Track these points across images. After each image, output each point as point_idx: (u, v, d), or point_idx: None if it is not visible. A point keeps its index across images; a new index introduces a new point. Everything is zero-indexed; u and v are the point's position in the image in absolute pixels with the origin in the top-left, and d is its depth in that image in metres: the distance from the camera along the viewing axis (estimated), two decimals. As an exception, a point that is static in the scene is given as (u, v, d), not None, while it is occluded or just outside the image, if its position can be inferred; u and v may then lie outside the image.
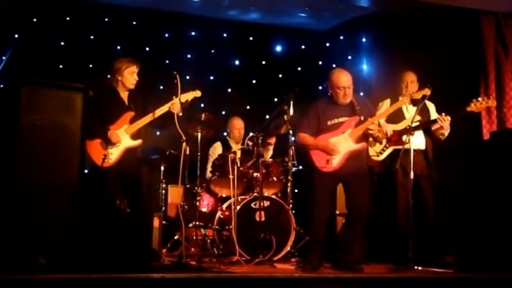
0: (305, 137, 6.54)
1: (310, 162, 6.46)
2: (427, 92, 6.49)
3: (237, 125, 8.37)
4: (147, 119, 6.37)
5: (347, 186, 6.50)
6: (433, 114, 6.92)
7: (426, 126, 6.77)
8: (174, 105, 6.36)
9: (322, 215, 6.38)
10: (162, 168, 8.04)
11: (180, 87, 6.32)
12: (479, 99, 6.65)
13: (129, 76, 6.36)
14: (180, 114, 6.35)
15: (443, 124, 6.69)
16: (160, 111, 6.38)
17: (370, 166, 7.00)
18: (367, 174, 6.66)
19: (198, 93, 6.63)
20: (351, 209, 6.50)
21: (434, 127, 6.81)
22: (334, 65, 6.91)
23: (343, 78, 6.41)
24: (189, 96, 6.54)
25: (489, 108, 7.75)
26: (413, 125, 6.49)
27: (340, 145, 6.37)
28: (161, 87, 9.00)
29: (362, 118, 6.40)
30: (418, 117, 6.65)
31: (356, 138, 6.41)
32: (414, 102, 6.74)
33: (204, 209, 7.73)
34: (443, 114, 6.69)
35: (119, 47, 9.07)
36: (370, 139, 6.86)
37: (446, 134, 6.83)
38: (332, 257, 6.50)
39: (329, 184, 6.44)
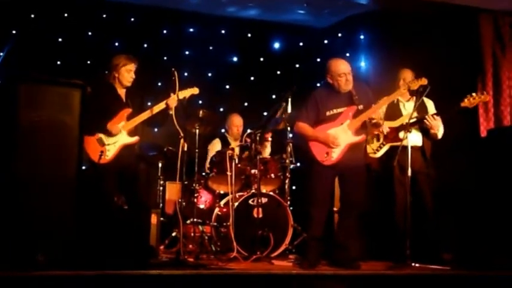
0: (304, 127, 6.50)
1: (310, 155, 6.43)
2: (423, 81, 6.47)
3: (236, 122, 8.36)
4: (144, 115, 6.38)
5: (343, 179, 6.47)
6: (431, 111, 6.92)
7: (418, 124, 6.74)
8: (171, 101, 6.37)
9: (320, 213, 6.37)
10: (160, 164, 8.05)
11: (178, 84, 6.33)
12: (473, 94, 6.63)
13: (126, 74, 6.37)
14: (172, 112, 6.36)
15: (432, 123, 6.69)
16: (157, 108, 6.39)
17: (368, 163, 7.00)
18: (364, 168, 6.60)
19: (195, 90, 6.65)
20: (345, 203, 6.49)
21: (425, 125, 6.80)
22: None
23: (342, 66, 6.37)
24: (186, 93, 6.55)
25: (486, 105, 7.79)
26: (410, 121, 6.49)
27: (340, 137, 6.32)
28: (159, 83, 8.98)
29: (361, 107, 6.32)
30: (416, 114, 6.65)
31: (355, 129, 6.36)
32: (412, 93, 6.72)
33: (201, 206, 7.75)
34: (430, 114, 6.69)
35: (117, 44, 9.06)
36: (369, 136, 6.88)
37: (439, 134, 6.82)
38: (329, 254, 6.50)
39: (328, 179, 6.42)
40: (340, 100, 6.43)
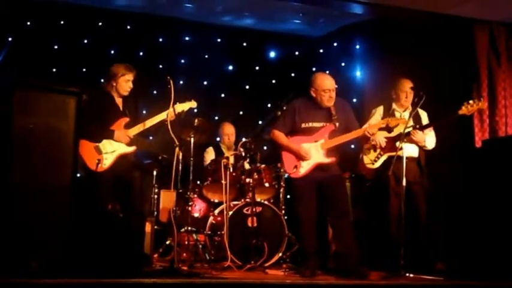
0: (280, 135, 6.55)
1: (281, 165, 6.47)
2: (403, 121, 6.53)
3: (227, 130, 8.36)
4: (142, 127, 6.38)
5: (324, 193, 6.44)
6: (425, 122, 6.93)
7: (406, 137, 6.71)
8: (169, 114, 6.38)
9: (308, 225, 6.40)
10: (155, 173, 8.03)
11: (174, 93, 6.33)
12: (470, 101, 6.64)
13: (124, 83, 6.37)
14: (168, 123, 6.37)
15: (416, 137, 6.70)
16: (157, 119, 6.39)
17: (363, 173, 7.00)
18: (341, 177, 6.66)
19: (193, 104, 6.66)
20: (334, 214, 6.51)
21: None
22: (327, 72, 6.89)
23: (328, 81, 6.41)
24: (184, 106, 6.55)
25: (481, 116, 7.79)
26: (406, 131, 6.50)
27: (311, 154, 6.39)
28: (154, 92, 8.99)
29: (337, 124, 6.37)
30: (411, 123, 6.66)
31: (327, 150, 6.41)
32: (389, 130, 6.67)
33: (196, 214, 7.73)
34: (412, 129, 6.69)
35: (112, 52, 9.07)
36: (365, 147, 6.89)
37: (428, 145, 6.83)
38: (324, 265, 6.50)
39: (310, 190, 6.41)
40: (318, 115, 6.47)
